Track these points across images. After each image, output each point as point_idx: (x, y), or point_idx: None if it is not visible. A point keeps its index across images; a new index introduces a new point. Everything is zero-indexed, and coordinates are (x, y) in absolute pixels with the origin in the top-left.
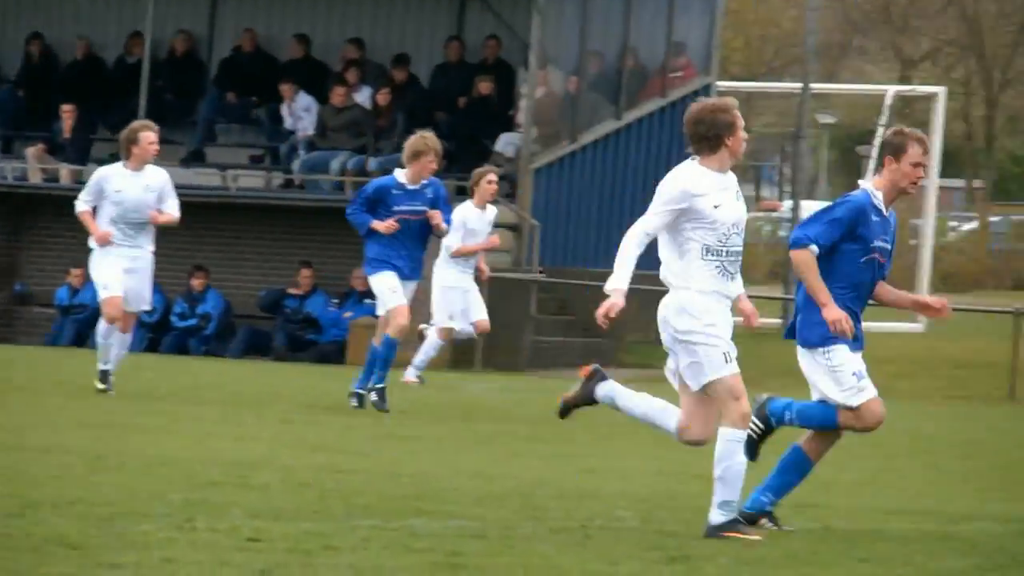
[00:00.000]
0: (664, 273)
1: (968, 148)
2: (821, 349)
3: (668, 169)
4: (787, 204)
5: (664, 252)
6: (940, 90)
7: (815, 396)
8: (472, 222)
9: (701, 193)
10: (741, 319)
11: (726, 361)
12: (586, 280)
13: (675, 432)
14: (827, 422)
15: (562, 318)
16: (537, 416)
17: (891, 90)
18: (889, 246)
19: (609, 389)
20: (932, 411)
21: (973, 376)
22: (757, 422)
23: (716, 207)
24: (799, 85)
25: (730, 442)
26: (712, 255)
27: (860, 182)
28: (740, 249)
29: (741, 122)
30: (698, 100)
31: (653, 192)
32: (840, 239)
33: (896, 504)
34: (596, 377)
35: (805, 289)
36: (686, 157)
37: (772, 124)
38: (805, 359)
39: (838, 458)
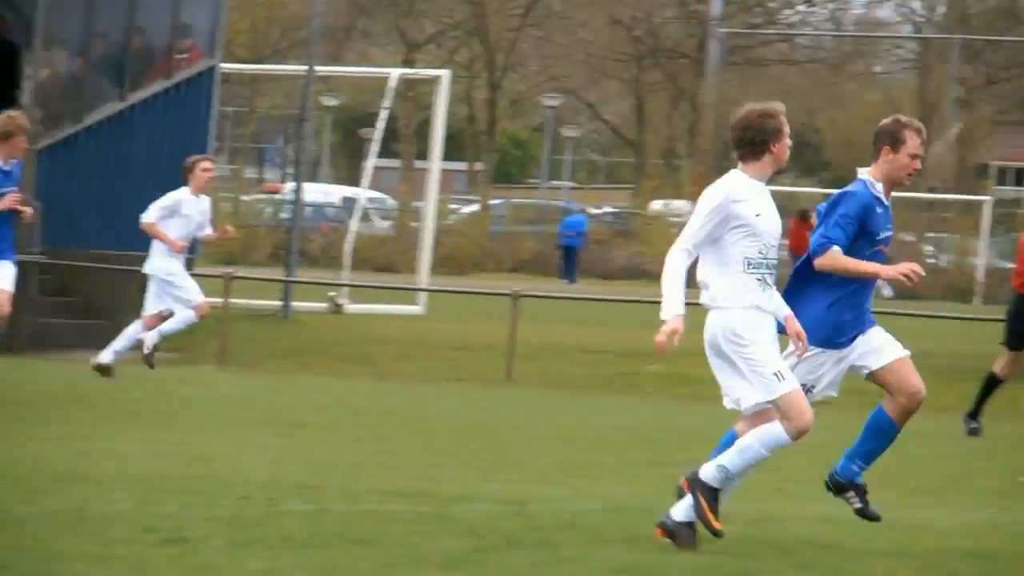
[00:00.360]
0: (707, 293)
1: (470, 131)
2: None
3: (173, 150)
4: (289, 186)
5: (706, 270)
6: (444, 73)
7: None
8: (186, 207)
9: (742, 199)
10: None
11: (779, 380)
12: (88, 261)
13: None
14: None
15: (63, 299)
16: (34, 398)
17: (395, 73)
18: (890, 235)
19: (712, 471)
20: (431, 393)
21: (472, 358)
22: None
23: (757, 215)
24: (304, 67)
25: (774, 438)
26: (753, 268)
27: (860, 171)
28: (777, 261)
29: (787, 128)
30: (744, 105)
31: (158, 172)
32: (856, 236)
33: (394, 486)
34: (694, 477)
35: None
36: (190, 137)
37: (277, 106)
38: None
39: (337, 439)
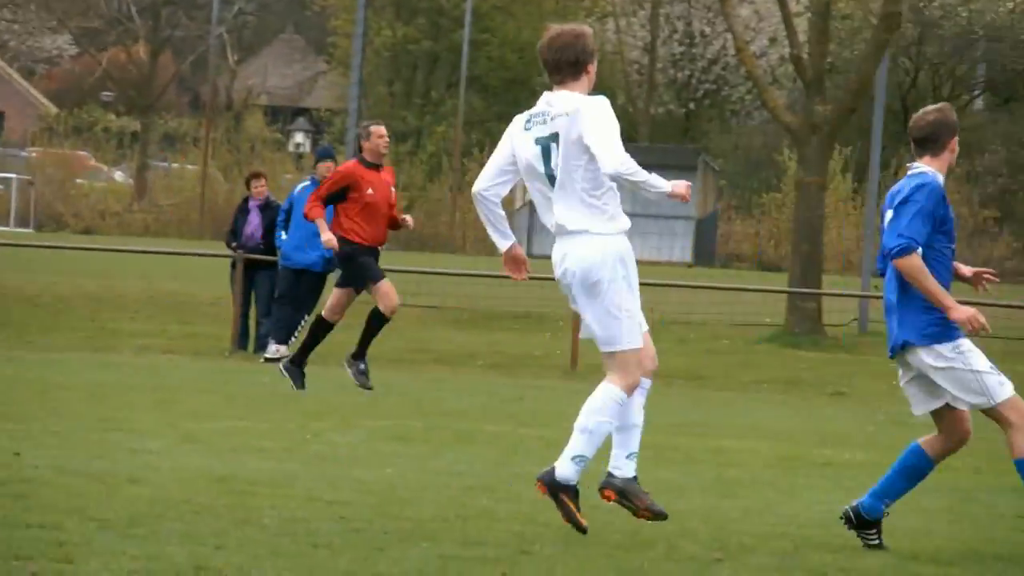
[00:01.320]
0: (579, 217)
1: None
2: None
3: None
4: None
5: (572, 200)
6: None
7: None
8: None
9: None
10: None
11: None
12: None
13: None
14: (918, 472)
15: None
16: None
17: None
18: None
19: (567, 466)
20: None
21: None
22: (868, 533)
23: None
24: None
25: (614, 400)
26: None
27: (917, 166)
28: None
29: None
30: (550, 28)
31: None
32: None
33: None
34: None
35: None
36: None
37: None
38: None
39: None
